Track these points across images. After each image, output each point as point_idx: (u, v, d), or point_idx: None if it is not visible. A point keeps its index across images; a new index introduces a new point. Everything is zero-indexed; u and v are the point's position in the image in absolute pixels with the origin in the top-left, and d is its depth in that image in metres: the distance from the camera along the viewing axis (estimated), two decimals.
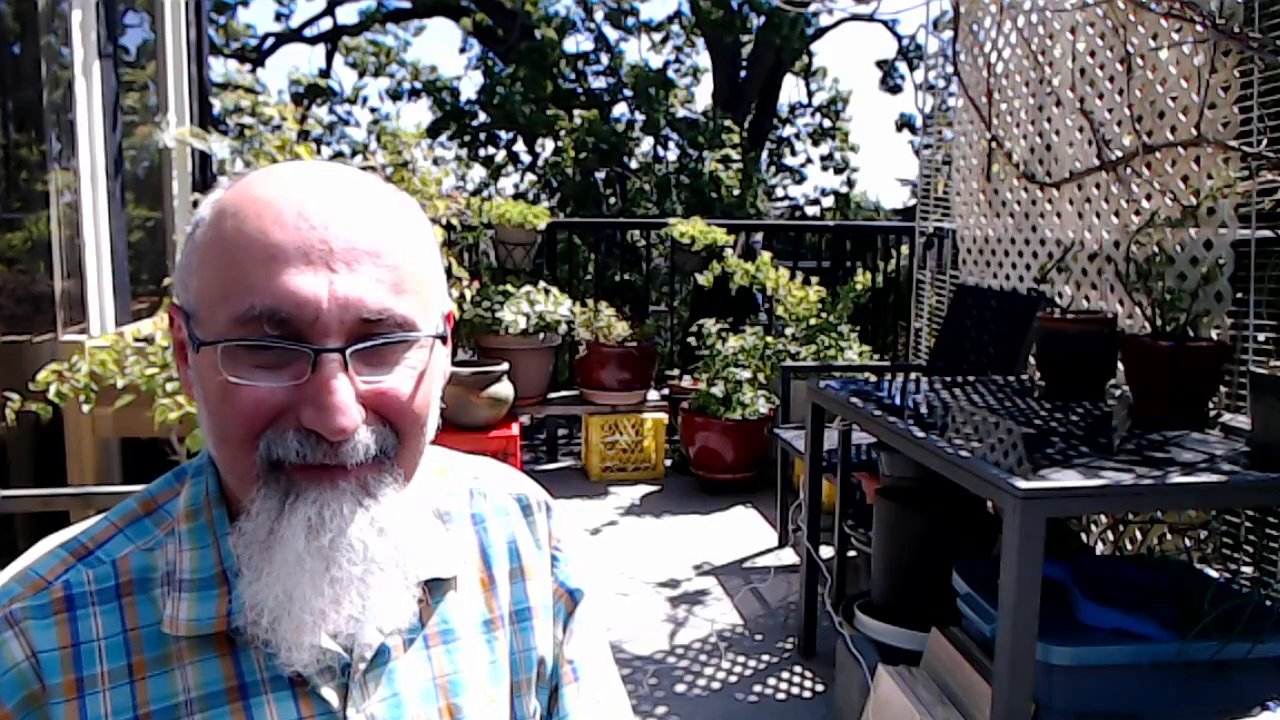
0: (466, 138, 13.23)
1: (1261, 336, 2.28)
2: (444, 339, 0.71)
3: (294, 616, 0.64)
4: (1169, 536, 2.37)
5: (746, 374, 4.27)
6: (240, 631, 0.67)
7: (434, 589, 0.74)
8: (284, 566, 0.64)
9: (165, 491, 0.74)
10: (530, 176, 13.21)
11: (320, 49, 14.89)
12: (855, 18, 13.36)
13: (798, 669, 2.65)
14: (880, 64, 14.88)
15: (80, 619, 0.66)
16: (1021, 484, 1.55)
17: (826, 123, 14.91)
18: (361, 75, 14.82)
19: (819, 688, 2.55)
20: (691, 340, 4.60)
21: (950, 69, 3.71)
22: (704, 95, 17.46)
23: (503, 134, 13.09)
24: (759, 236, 6.03)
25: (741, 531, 3.82)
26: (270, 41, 14.21)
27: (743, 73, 13.12)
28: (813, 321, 4.45)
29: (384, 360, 0.65)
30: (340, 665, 0.69)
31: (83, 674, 0.65)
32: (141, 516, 0.72)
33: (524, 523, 0.83)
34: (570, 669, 0.83)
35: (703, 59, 13.93)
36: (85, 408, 2.21)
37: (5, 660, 0.64)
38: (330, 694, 0.68)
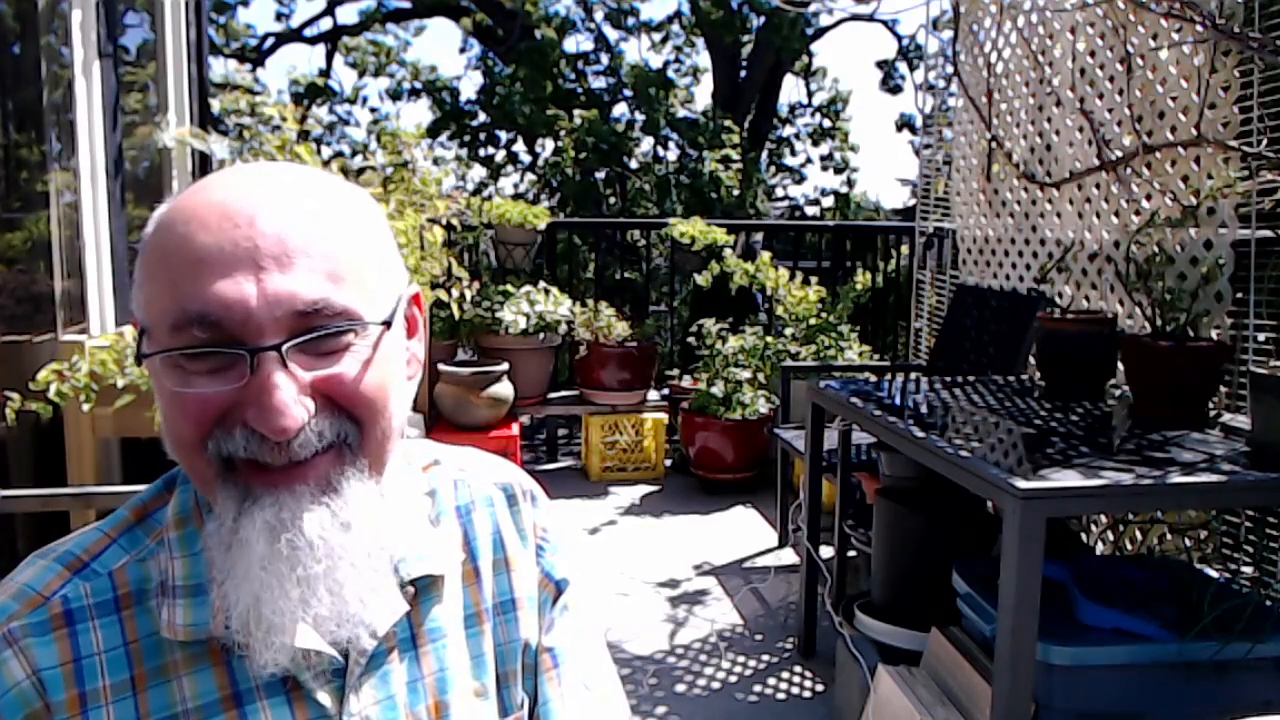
0: (466, 138, 13.24)
1: (1261, 336, 2.28)
2: (391, 324, 0.67)
3: (264, 619, 0.64)
4: (1169, 536, 2.37)
5: (746, 374, 4.27)
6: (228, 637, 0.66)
7: (423, 586, 0.74)
8: (248, 569, 0.63)
9: (155, 499, 0.73)
10: (530, 176, 13.22)
11: (320, 49, 14.90)
12: (855, 18, 13.37)
13: (798, 669, 2.65)
14: (880, 64, 14.88)
15: (80, 634, 0.66)
16: (1021, 484, 1.55)
17: (826, 123, 14.91)
18: (361, 75, 14.83)
19: (819, 688, 2.55)
20: (691, 340, 4.59)
21: (950, 69, 3.71)
22: (704, 95, 17.48)
23: (503, 134, 13.10)
24: (759, 236, 6.04)
25: (741, 531, 3.82)
26: (270, 41, 14.22)
27: (743, 73, 13.12)
28: (813, 321, 4.45)
29: (329, 350, 0.64)
30: (335, 669, 0.69)
31: (85, 689, 0.64)
32: (133, 525, 0.71)
33: (508, 512, 0.82)
34: (549, 656, 0.81)
35: (703, 59, 13.94)
36: (85, 408, 2.21)
37: (5, 680, 0.63)
38: (325, 698, 0.68)
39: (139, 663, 0.66)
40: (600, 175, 10.77)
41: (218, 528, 0.64)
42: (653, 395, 4.64)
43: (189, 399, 0.62)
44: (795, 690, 2.55)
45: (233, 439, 0.63)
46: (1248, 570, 2.20)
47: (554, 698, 0.80)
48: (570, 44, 13.30)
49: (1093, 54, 2.85)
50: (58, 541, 0.71)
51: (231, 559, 0.64)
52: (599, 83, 13.49)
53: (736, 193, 9.93)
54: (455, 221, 3.80)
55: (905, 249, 5.13)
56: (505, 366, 4.08)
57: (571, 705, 0.80)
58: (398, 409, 0.69)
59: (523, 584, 0.81)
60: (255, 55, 14.00)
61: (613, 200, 10.92)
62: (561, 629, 0.82)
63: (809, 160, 15.13)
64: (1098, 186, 2.84)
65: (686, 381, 4.64)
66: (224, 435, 0.63)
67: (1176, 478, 1.67)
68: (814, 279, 4.64)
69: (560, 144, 10.55)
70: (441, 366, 4.05)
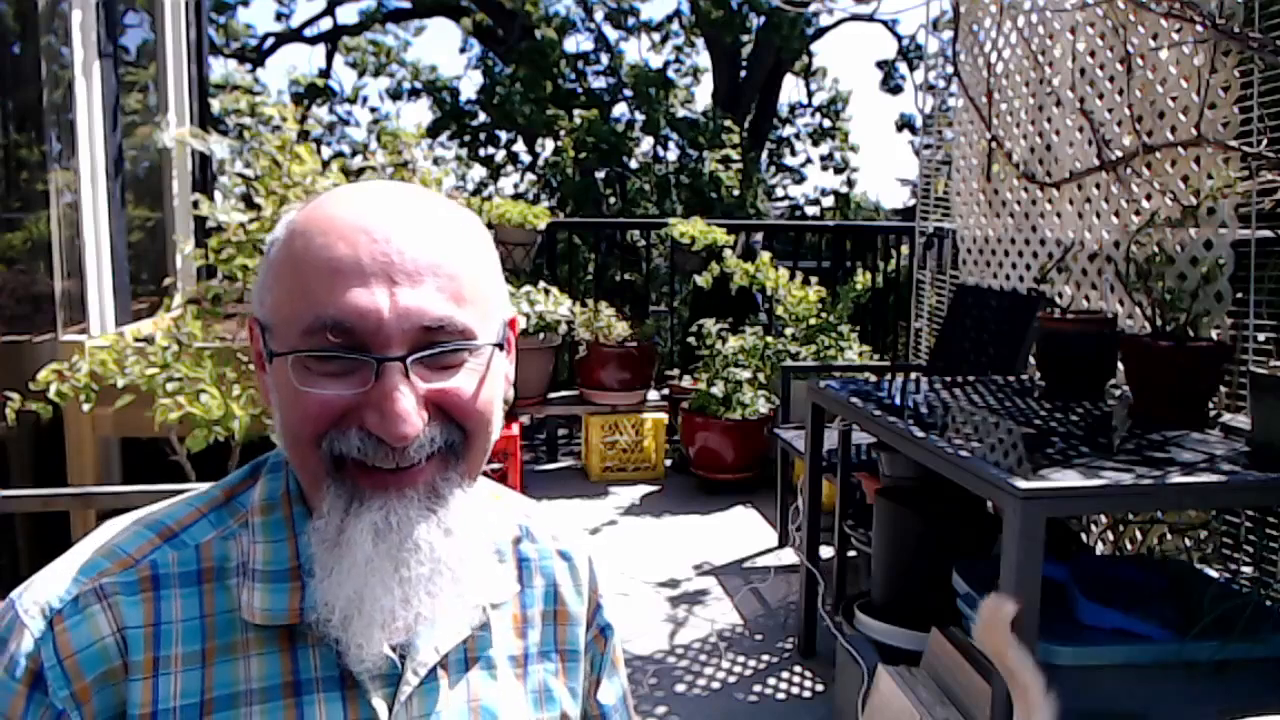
0: (466, 138, 13.22)
1: (1261, 336, 2.28)
2: (502, 346, 0.73)
3: (365, 615, 0.67)
4: (1169, 536, 2.37)
5: (746, 374, 4.27)
6: (311, 628, 0.69)
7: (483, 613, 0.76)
8: (353, 568, 0.67)
9: (240, 483, 0.76)
10: (530, 176, 13.21)
11: (320, 49, 14.88)
12: (855, 18, 13.36)
13: (798, 669, 2.65)
14: (880, 64, 14.87)
15: (163, 599, 0.68)
16: (1021, 484, 1.55)
17: (826, 123, 14.91)
18: (361, 75, 14.81)
19: (819, 688, 2.55)
20: (691, 340, 4.60)
21: (950, 69, 3.71)
22: (704, 95, 17.44)
23: (503, 134, 13.08)
24: (759, 236, 6.03)
25: (741, 531, 3.82)
26: (270, 41, 14.22)
27: (743, 73, 13.11)
28: (813, 321, 4.45)
29: (446, 365, 0.68)
30: (390, 674, 0.71)
31: (159, 654, 0.67)
32: (221, 504, 0.74)
33: (566, 569, 0.86)
34: (607, 704, 0.89)
35: (703, 59, 13.93)
36: (85, 407, 2.21)
37: (91, 633, 0.66)
38: (379, 703, 0.70)
39: (211, 637, 0.68)
40: (600, 175, 10.77)
41: (324, 525, 0.68)
42: (653, 395, 4.64)
43: (312, 398, 0.66)
44: (795, 690, 2.55)
45: (347, 439, 0.66)
46: (1248, 570, 2.20)
47: None
48: (570, 44, 13.31)
49: (1093, 54, 2.85)
50: (147, 509, 0.74)
51: (335, 556, 0.67)
52: (599, 83, 13.49)
53: (736, 193, 9.91)
54: None
55: (905, 249, 5.13)
56: None
57: None
58: (497, 427, 0.73)
59: (573, 638, 0.85)
60: (255, 55, 13.99)
61: (613, 200, 10.92)
62: (619, 677, 0.92)
63: (809, 160, 15.14)
64: (1098, 186, 2.84)
65: (686, 381, 4.64)
66: (339, 435, 0.66)
67: (1176, 478, 1.67)
68: (814, 279, 4.64)
69: (560, 144, 10.54)
70: None
